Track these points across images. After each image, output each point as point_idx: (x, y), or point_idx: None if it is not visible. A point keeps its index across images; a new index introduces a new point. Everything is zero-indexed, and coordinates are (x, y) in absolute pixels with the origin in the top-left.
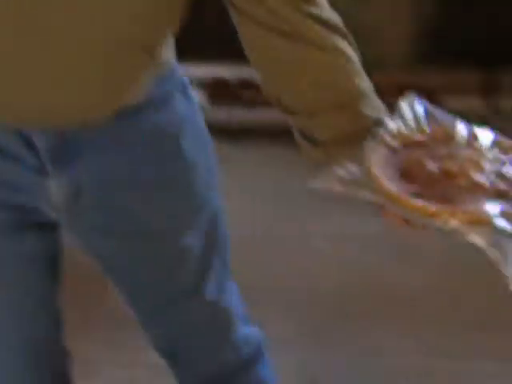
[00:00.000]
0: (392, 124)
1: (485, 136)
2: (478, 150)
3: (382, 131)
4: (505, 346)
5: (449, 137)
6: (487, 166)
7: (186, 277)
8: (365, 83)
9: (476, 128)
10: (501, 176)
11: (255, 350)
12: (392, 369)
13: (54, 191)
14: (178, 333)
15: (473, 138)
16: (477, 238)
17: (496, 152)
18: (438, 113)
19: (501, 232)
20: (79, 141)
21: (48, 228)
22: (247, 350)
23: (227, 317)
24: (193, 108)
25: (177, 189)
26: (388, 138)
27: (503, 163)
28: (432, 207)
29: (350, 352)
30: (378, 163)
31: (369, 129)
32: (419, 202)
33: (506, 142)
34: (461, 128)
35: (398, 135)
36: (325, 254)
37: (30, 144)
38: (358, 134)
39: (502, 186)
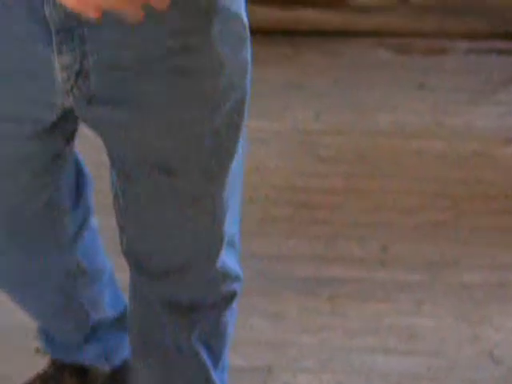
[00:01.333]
0: None
1: None
2: None
3: None
4: None
5: None
6: None
7: (199, 156)
8: None
9: None
10: None
11: (230, 292)
12: None
13: (58, 70)
14: (162, 236)
15: None
16: None
17: None
18: None
19: None
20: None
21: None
22: (223, 289)
23: (221, 233)
24: None
25: (200, 78)
26: None
27: None
28: None
29: None
30: None
31: None
32: None
33: None
34: None
35: None
36: None
37: (40, 19)
38: None
39: None
